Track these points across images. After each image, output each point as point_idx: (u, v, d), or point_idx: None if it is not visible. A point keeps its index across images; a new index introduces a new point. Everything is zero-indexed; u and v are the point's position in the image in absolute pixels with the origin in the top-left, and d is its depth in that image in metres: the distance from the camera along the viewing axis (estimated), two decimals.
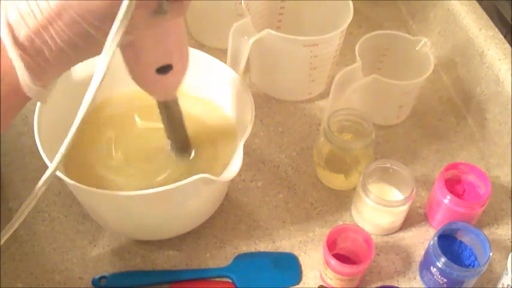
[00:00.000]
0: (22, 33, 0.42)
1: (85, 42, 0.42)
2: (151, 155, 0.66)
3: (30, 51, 0.42)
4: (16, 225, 0.46)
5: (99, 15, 0.41)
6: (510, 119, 0.74)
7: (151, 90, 0.56)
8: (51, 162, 0.51)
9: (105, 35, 0.41)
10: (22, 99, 0.45)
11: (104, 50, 0.41)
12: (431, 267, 0.63)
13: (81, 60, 0.45)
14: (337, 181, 0.74)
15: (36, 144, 0.58)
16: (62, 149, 0.44)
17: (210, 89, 0.71)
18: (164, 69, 0.51)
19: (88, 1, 0.40)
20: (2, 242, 0.46)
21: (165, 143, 0.66)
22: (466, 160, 0.77)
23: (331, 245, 0.63)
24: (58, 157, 0.44)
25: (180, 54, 0.53)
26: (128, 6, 0.39)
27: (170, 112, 0.61)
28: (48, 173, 0.45)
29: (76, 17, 0.41)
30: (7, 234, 0.46)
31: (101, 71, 0.41)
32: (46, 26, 0.41)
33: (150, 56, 0.50)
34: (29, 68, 0.43)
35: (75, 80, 0.65)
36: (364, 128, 0.72)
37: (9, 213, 0.71)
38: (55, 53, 0.43)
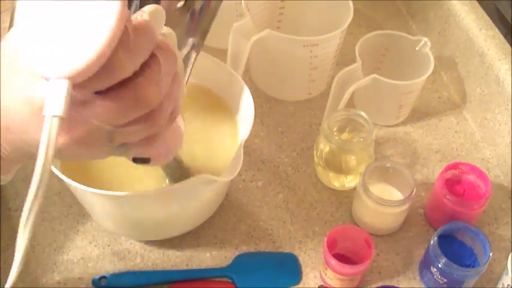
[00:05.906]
0: None
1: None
2: None
3: None
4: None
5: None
6: (510, 119, 0.74)
7: None
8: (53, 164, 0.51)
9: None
10: None
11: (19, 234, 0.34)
12: (431, 267, 0.63)
13: None
14: (337, 181, 0.74)
15: None
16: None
17: (210, 89, 0.71)
18: (141, 160, 0.42)
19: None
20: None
21: None
22: (466, 160, 0.77)
23: (331, 245, 0.63)
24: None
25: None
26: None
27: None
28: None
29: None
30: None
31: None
32: None
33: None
34: None
35: None
36: (364, 128, 0.72)
37: (9, 213, 0.71)
38: (9, 154, 0.39)
